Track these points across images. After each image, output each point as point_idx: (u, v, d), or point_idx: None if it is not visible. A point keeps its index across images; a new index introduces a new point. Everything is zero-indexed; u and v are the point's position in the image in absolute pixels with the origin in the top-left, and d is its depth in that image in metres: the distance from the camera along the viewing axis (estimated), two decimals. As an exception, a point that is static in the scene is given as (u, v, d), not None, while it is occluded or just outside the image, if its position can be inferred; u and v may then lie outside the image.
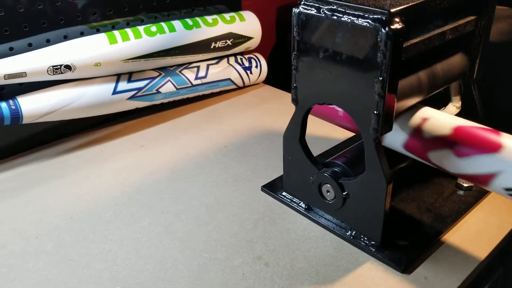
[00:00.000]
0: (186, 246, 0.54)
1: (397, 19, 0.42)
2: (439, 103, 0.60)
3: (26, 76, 0.65)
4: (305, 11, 0.48)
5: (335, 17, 0.45)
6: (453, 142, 0.49)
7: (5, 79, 0.64)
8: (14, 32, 0.68)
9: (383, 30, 0.41)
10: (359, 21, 0.43)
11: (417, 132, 0.51)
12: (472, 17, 0.53)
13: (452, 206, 0.57)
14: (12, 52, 0.68)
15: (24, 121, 0.67)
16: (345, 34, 0.45)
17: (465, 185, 0.60)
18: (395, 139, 0.53)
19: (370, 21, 0.42)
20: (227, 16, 0.86)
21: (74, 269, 0.51)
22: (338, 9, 0.45)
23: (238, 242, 0.54)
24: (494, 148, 0.47)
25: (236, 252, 0.53)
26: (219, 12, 0.89)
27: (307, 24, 0.48)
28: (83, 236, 0.55)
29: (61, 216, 0.59)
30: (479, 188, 0.59)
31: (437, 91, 0.54)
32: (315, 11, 0.47)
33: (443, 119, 0.51)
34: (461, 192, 0.60)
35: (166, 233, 0.56)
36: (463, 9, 0.52)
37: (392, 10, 0.42)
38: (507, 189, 0.46)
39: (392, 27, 0.41)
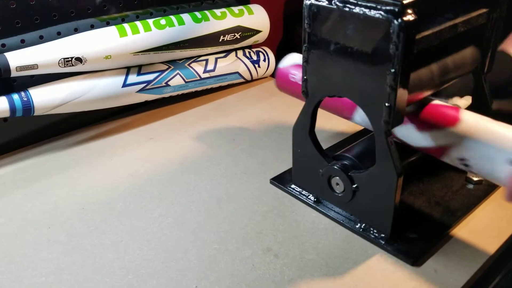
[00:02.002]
0: (197, 237, 0.54)
1: (409, 11, 0.42)
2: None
3: (37, 68, 0.66)
4: (317, 2, 0.48)
5: (346, 9, 0.45)
6: (415, 118, 0.52)
7: (17, 71, 0.64)
8: (26, 24, 0.68)
9: (395, 21, 0.41)
10: (371, 12, 0.43)
11: None
12: (484, 10, 0.53)
13: (462, 199, 0.57)
14: (23, 44, 0.68)
15: (36, 113, 0.67)
16: (356, 26, 0.45)
17: (475, 179, 0.60)
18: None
19: (382, 13, 0.42)
20: (235, 9, 0.86)
21: (87, 259, 0.51)
22: (350, 0, 0.45)
23: (248, 233, 0.54)
24: (452, 122, 0.50)
25: (246, 244, 0.53)
26: (227, 5, 0.89)
27: (318, 16, 0.48)
28: (94, 226, 0.56)
29: (73, 207, 0.59)
30: (489, 182, 0.59)
31: (448, 84, 0.54)
32: (327, 2, 0.47)
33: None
34: (470, 186, 0.60)
35: (177, 224, 0.56)
36: (475, 2, 0.52)
37: (404, 2, 0.41)
38: (461, 159, 0.50)
39: (404, 18, 0.41)
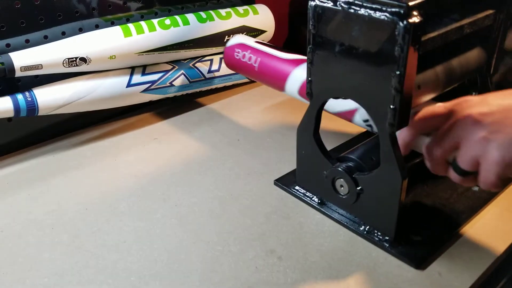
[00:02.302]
0: (200, 239, 0.54)
1: (415, 13, 0.41)
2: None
3: (42, 68, 0.66)
4: (321, 4, 0.47)
5: (352, 10, 0.45)
6: None
7: (21, 71, 0.64)
8: (30, 24, 0.68)
9: (401, 23, 0.41)
10: (377, 14, 0.43)
11: None
12: (491, 11, 0.52)
13: (467, 202, 0.57)
14: (28, 44, 0.68)
15: (40, 113, 0.67)
16: (362, 28, 0.44)
17: (480, 181, 0.59)
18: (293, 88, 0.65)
19: (388, 15, 0.42)
20: (240, 9, 0.86)
21: (89, 260, 0.51)
22: (355, 2, 0.44)
23: (251, 235, 0.54)
24: None
25: (249, 245, 0.53)
26: (232, 5, 0.89)
27: (323, 17, 0.48)
28: (97, 227, 0.56)
29: (76, 207, 0.59)
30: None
31: (453, 86, 0.54)
32: (332, 4, 0.46)
33: None
34: (476, 188, 0.59)
35: (180, 225, 0.56)
36: (481, 3, 0.52)
37: (410, 4, 0.41)
38: (365, 121, 0.56)
39: (410, 20, 0.41)
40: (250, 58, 0.70)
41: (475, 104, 0.44)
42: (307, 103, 0.54)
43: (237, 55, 0.73)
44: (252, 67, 0.70)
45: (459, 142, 0.44)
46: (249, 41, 0.73)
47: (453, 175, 0.47)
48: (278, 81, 0.67)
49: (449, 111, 0.46)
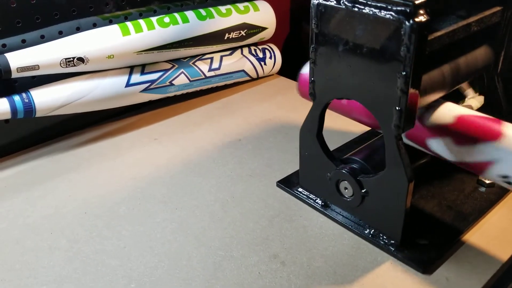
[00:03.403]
0: (201, 243, 0.53)
1: (421, 11, 0.40)
2: (461, 97, 0.58)
3: (39, 69, 0.64)
4: (324, 2, 0.46)
5: (356, 9, 0.43)
6: (454, 131, 0.49)
7: (17, 72, 0.63)
8: (27, 24, 0.67)
9: (407, 22, 0.40)
10: (382, 13, 0.41)
11: (419, 119, 0.51)
12: (498, 8, 0.51)
13: (474, 203, 0.56)
14: (24, 44, 0.67)
15: (37, 114, 0.66)
16: (366, 27, 0.43)
17: (487, 181, 0.58)
18: None
19: (393, 13, 0.40)
20: (241, 6, 0.84)
21: (88, 266, 0.50)
22: (359, 0, 0.43)
23: (253, 239, 0.53)
24: (494, 136, 0.47)
25: (251, 250, 0.52)
26: (232, 2, 0.87)
27: (326, 16, 0.46)
28: (96, 232, 0.55)
29: (74, 211, 0.58)
30: (501, 186, 0.57)
31: (460, 85, 0.52)
32: (335, 2, 0.45)
33: (447, 108, 0.51)
34: (482, 189, 0.58)
35: (181, 230, 0.55)
36: (488, 0, 0.50)
37: (416, 2, 0.40)
38: (503, 177, 0.47)
39: (416, 19, 0.39)
40: None
41: None
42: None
43: None
44: (338, 101, 0.56)
45: None
46: None
47: None
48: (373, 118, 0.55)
49: None
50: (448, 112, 0.50)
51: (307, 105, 0.54)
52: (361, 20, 0.43)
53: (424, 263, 0.48)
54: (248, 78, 0.89)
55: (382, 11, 0.41)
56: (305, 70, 0.61)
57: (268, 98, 0.85)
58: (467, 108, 0.51)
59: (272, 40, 0.92)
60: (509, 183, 0.47)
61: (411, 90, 0.42)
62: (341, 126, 0.73)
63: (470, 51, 0.52)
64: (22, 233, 0.55)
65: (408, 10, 0.40)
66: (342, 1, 0.44)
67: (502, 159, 0.46)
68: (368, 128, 0.71)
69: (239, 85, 0.89)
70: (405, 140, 0.53)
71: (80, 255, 0.52)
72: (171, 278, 0.48)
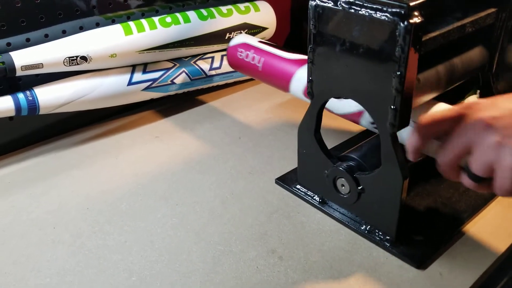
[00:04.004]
0: (201, 238, 0.54)
1: (416, 13, 0.41)
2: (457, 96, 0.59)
3: (42, 67, 0.65)
4: (322, 3, 0.47)
5: (352, 10, 0.44)
6: None
7: (22, 70, 0.64)
8: (31, 23, 0.68)
9: (401, 24, 0.41)
10: (377, 14, 0.42)
11: None
12: (493, 9, 0.52)
13: (469, 201, 0.57)
14: (28, 43, 0.68)
15: (41, 112, 0.68)
16: (362, 28, 0.44)
17: (482, 180, 0.59)
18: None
19: (388, 15, 0.42)
20: (241, 6, 0.85)
21: (91, 260, 0.51)
22: (356, 2, 0.44)
23: (252, 235, 0.54)
24: None
25: (250, 245, 0.53)
26: (233, 2, 0.88)
27: (323, 17, 0.47)
28: (99, 227, 0.56)
29: (77, 207, 0.59)
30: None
31: (455, 85, 0.54)
32: (332, 4, 0.46)
33: None
34: (477, 187, 0.59)
35: (181, 225, 0.56)
36: (483, 1, 0.51)
37: (411, 4, 0.41)
38: (372, 123, 0.53)
39: (411, 21, 0.41)
40: (253, 58, 0.70)
41: (486, 108, 0.43)
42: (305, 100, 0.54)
43: (240, 55, 0.72)
44: (255, 67, 0.69)
45: (471, 146, 0.43)
46: (253, 40, 0.73)
47: (466, 181, 0.45)
48: (282, 82, 0.66)
49: (459, 114, 0.44)
50: None
51: (306, 104, 0.55)
52: (357, 21, 0.44)
53: (418, 259, 0.50)
54: (248, 77, 0.90)
55: (378, 12, 0.42)
56: (232, 43, 0.74)
57: (268, 97, 0.86)
58: None
59: (272, 40, 0.93)
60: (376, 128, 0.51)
61: (406, 90, 0.43)
62: (338, 126, 0.74)
63: (465, 52, 0.53)
64: (26, 227, 0.56)
65: (402, 12, 0.41)
66: (339, 2, 0.46)
67: None
68: (365, 128, 0.72)
69: (239, 84, 0.90)
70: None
71: (82, 249, 0.53)
72: (171, 272, 0.50)
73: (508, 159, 0.40)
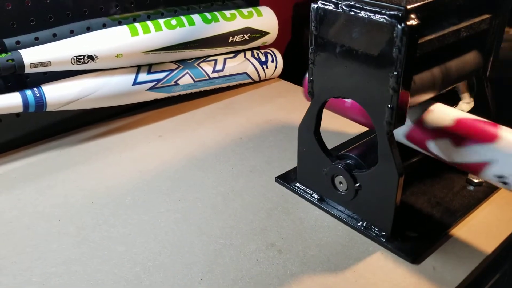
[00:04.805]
0: (202, 232, 0.56)
1: (413, 16, 0.43)
2: (452, 99, 0.61)
3: (50, 65, 0.67)
4: (323, 6, 0.49)
5: (352, 13, 0.47)
6: (453, 133, 0.52)
7: (30, 67, 0.66)
8: (40, 22, 0.70)
9: (399, 26, 0.43)
10: (376, 17, 0.44)
11: (420, 122, 0.54)
12: (487, 16, 0.54)
13: (462, 200, 0.59)
14: (37, 42, 0.70)
15: (48, 109, 0.69)
16: (361, 30, 0.46)
17: (476, 180, 0.61)
18: (399, 129, 0.56)
19: (386, 17, 0.44)
20: (245, 11, 0.88)
21: (95, 251, 0.53)
22: (356, 5, 0.46)
23: (252, 229, 0.56)
24: (491, 138, 0.50)
25: (250, 239, 0.54)
26: (237, 6, 0.91)
27: (324, 19, 0.50)
28: (103, 219, 0.58)
29: (82, 201, 0.61)
30: (489, 184, 0.60)
31: (450, 88, 0.56)
32: (333, 6, 0.48)
33: (446, 111, 0.54)
34: (471, 188, 0.61)
35: (183, 219, 0.58)
36: (478, 7, 0.54)
37: (408, 7, 0.43)
38: (499, 177, 0.50)
39: (408, 23, 0.43)
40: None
41: None
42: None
43: None
44: (342, 102, 0.61)
45: None
46: None
47: None
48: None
49: None
50: (447, 115, 0.53)
51: (305, 107, 0.57)
52: (357, 23, 0.46)
53: (412, 254, 0.51)
54: (250, 80, 0.92)
55: (377, 15, 0.44)
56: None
57: (269, 100, 0.88)
58: (464, 112, 0.54)
59: (274, 44, 0.95)
60: (504, 183, 0.50)
61: (402, 89, 0.45)
62: (338, 127, 0.76)
63: (460, 56, 0.55)
64: (32, 220, 0.58)
65: (400, 14, 0.43)
66: (340, 5, 0.48)
67: (498, 160, 0.49)
68: (365, 129, 0.74)
69: (241, 87, 0.92)
70: (407, 143, 0.57)
71: (87, 240, 0.55)
72: (174, 263, 0.51)
73: None
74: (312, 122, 0.56)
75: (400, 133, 0.56)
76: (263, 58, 0.92)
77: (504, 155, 0.49)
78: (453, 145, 0.52)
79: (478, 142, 0.50)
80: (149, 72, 0.78)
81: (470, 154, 0.51)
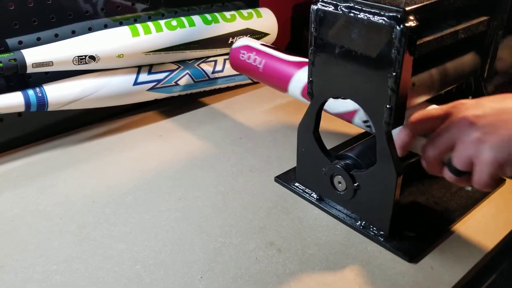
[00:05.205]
0: (202, 231, 0.56)
1: (411, 17, 0.44)
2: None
3: (52, 65, 0.68)
4: (323, 7, 0.50)
5: (351, 14, 0.47)
6: None
7: (32, 67, 0.67)
8: (42, 23, 0.71)
9: (397, 27, 0.43)
10: (375, 18, 0.45)
11: None
12: (485, 17, 0.55)
13: (460, 201, 0.59)
14: (39, 42, 0.71)
15: (49, 109, 0.70)
16: (361, 31, 0.47)
17: (474, 181, 0.61)
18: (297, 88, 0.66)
19: (385, 19, 0.44)
20: (244, 12, 0.88)
21: (97, 249, 0.53)
22: (355, 6, 0.47)
23: (252, 228, 0.56)
24: None
25: (249, 238, 0.55)
26: (237, 8, 0.91)
27: (324, 20, 0.50)
28: (104, 218, 0.58)
29: (83, 199, 0.62)
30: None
31: (448, 88, 0.56)
32: (333, 8, 0.49)
33: None
34: (469, 188, 0.61)
35: (183, 218, 0.58)
36: (476, 9, 0.54)
37: (407, 8, 0.44)
38: (364, 121, 0.58)
39: (406, 24, 0.43)
40: (255, 60, 0.73)
41: (470, 107, 0.46)
42: (308, 103, 0.57)
43: (242, 57, 0.75)
44: (256, 68, 0.72)
45: (454, 143, 0.46)
46: (255, 43, 0.76)
47: (448, 174, 0.49)
48: (281, 83, 0.69)
49: (445, 113, 0.48)
50: None
51: (305, 107, 0.57)
52: (356, 24, 0.47)
53: (410, 253, 0.52)
54: (249, 81, 0.92)
55: (376, 16, 0.45)
56: (235, 45, 0.77)
57: (268, 100, 0.88)
58: None
59: (274, 45, 0.95)
60: (369, 126, 0.57)
61: (401, 90, 0.46)
62: (337, 127, 0.76)
63: (458, 57, 0.56)
64: (34, 218, 0.58)
65: (399, 16, 0.44)
66: (339, 7, 0.48)
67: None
68: (363, 130, 0.74)
69: (241, 87, 0.93)
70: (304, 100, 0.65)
71: (88, 238, 0.55)
72: (174, 261, 0.52)
73: (486, 154, 0.43)
74: (311, 122, 0.57)
75: (297, 92, 0.66)
76: (263, 59, 0.92)
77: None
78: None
79: None
80: (149, 73, 0.78)
81: (343, 105, 0.59)
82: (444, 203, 0.59)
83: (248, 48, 0.75)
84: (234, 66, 0.78)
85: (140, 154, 0.72)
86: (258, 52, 0.73)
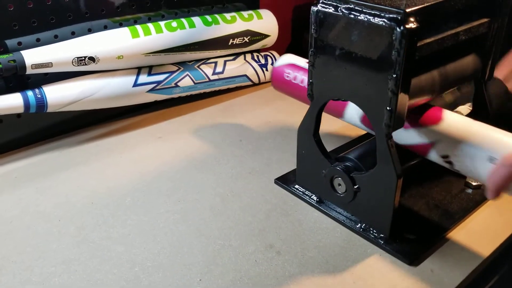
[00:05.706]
0: (201, 233, 0.56)
1: (412, 19, 0.43)
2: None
3: (52, 66, 0.68)
4: (323, 9, 0.49)
5: (352, 16, 0.47)
6: None
7: (32, 68, 0.66)
8: (42, 24, 0.71)
9: (398, 29, 0.43)
10: (375, 20, 0.45)
11: None
12: (486, 19, 0.54)
13: (460, 203, 0.59)
14: (39, 43, 0.70)
15: (49, 110, 0.70)
16: (361, 32, 0.47)
17: (474, 183, 0.61)
18: (355, 113, 0.61)
19: (386, 20, 0.44)
20: (245, 14, 0.88)
21: (95, 251, 0.53)
22: (355, 8, 0.46)
23: (251, 231, 0.56)
24: (435, 120, 0.53)
25: (249, 240, 0.55)
26: (237, 9, 0.91)
27: (324, 22, 0.50)
28: (103, 220, 0.58)
29: (82, 201, 0.61)
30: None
31: (449, 90, 0.56)
32: (333, 9, 0.49)
33: None
34: (469, 191, 0.61)
35: (183, 220, 0.58)
36: (477, 11, 0.54)
37: (407, 10, 0.43)
38: (443, 157, 0.53)
39: (407, 26, 0.43)
40: (302, 81, 0.66)
41: None
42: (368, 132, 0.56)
43: (288, 76, 0.67)
44: (305, 89, 0.61)
45: None
46: (301, 61, 0.68)
47: None
48: (336, 106, 0.62)
49: None
50: None
51: (304, 110, 0.57)
52: (356, 26, 0.47)
53: (410, 256, 0.52)
54: (250, 83, 0.92)
55: (376, 18, 0.45)
56: (278, 63, 0.69)
57: (268, 102, 0.88)
58: None
59: (274, 47, 0.96)
60: (449, 162, 0.52)
61: (401, 92, 0.46)
62: (337, 129, 0.76)
63: (459, 59, 0.55)
64: (33, 219, 0.58)
65: (399, 17, 0.43)
66: (339, 8, 0.48)
67: (441, 140, 0.52)
68: (364, 132, 0.74)
69: (241, 89, 0.93)
70: (362, 126, 0.61)
71: (87, 240, 0.55)
72: (173, 264, 0.51)
73: None
74: (311, 124, 0.57)
75: (356, 117, 0.61)
76: (263, 61, 0.92)
77: (446, 136, 0.51)
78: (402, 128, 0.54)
79: (423, 124, 0.54)
80: (149, 74, 0.78)
81: (417, 136, 0.54)
82: (445, 206, 0.59)
83: (294, 67, 0.67)
84: (277, 86, 0.71)
85: (139, 156, 0.72)
86: (306, 72, 0.61)
